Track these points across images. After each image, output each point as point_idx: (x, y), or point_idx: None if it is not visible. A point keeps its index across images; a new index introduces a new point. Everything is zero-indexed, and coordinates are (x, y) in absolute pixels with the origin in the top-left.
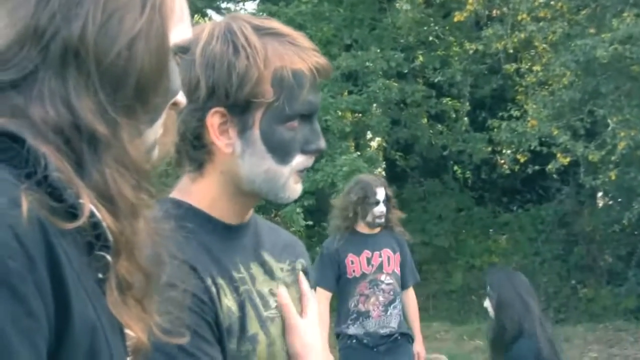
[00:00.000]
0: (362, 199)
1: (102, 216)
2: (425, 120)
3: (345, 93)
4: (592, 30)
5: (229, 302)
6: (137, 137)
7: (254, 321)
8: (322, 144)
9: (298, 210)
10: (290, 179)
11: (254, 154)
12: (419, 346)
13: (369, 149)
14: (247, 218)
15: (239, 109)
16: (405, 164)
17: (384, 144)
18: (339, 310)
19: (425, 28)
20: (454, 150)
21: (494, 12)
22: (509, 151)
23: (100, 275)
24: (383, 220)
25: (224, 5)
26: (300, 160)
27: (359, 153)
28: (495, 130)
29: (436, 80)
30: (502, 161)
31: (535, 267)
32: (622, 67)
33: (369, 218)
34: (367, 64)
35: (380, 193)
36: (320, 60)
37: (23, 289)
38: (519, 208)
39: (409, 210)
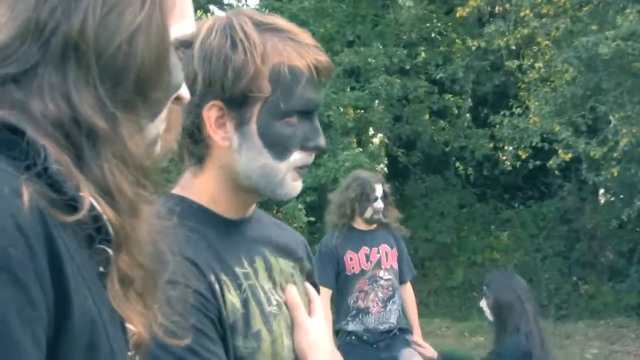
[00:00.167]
0: (361, 196)
1: (103, 209)
2: (427, 117)
3: (348, 89)
4: (594, 27)
5: (232, 298)
6: (138, 133)
7: (257, 318)
8: (321, 141)
9: (300, 206)
10: (287, 176)
11: (250, 149)
12: (417, 339)
13: (371, 145)
14: (250, 213)
15: (236, 102)
16: (408, 160)
17: (386, 140)
18: (338, 307)
19: (427, 24)
20: (455, 146)
21: (497, 8)
22: (510, 147)
23: (101, 269)
24: (381, 216)
25: (226, 1)
26: (298, 157)
27: (360, 149)
28: (497, 126)
29: (438, 77)
30: (504, 157)
31: (536, 264)
32: (624, 63)
33: (367, 214)
34: (370, 60)
35: (379, 190)
36: (320, 57)
37: (24, 277)
38: (521, 204)
39: (411, 207)
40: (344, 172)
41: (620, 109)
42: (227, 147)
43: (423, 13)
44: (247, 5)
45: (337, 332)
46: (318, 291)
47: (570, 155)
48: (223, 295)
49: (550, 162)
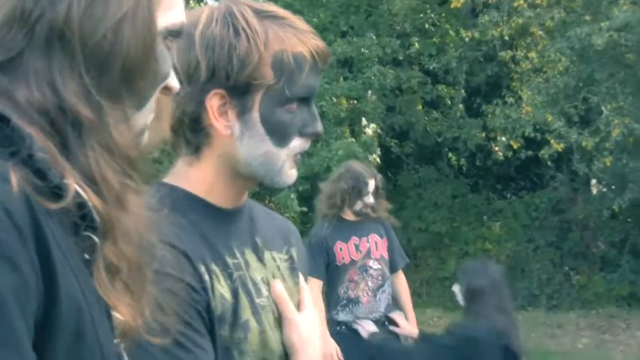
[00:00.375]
0: (352, 189)
1: (88, 197)
2: (420, 107)
3: (341, 79)
4: (588, 18)
5: (222, 289)
6: (124, 122)
7: (246, 308)
8: (319, 127)
9: (292, 196)
10: (286, 163)
11: (252, 137)
12: (412, 326)
13: (364, 135)
14: (242, 202)
15: (239, 91)
16: (401, 150)
17: (379, 131)
18: (328, 297)
19: (421, 15)
20: (448, 136)
21: None
22: (503, 138)
23: (87, 256)
24: (369, 210)
25: None
26: (297, 144)
27: (353, 140)
28: (490, 116)
29: (431, 68)
30: (497, 148)
31: (528, 254)
32: (617, 54)
33: (356, 207)
34: (363, 50)
35: (371, 185)
36: (319, 43)
37: (19, 261)
38: (513, 195)
39: (404, 197)
40: (337, 162)
41: (612, 99)
42: (229, 136)
43: (416, 4)
44: None
45: (327, 322)
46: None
47: (562, 146)
48: (212, 285)
49: (542, 152)
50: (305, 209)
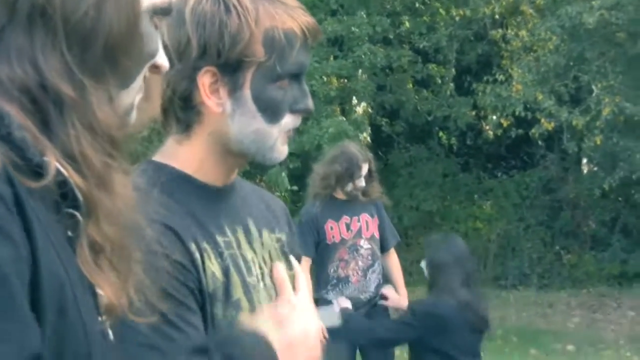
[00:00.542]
0: (345, 171)
1: (70, 175)
2: (410, 86)
3: (331, 58)
4: None
5: (213, 267)
6: (108, 101)
7: (238, 287)
8: (310, 103)
9: (283, 174)
10: (278, 140)
11: (244, 114)
12: (403, 301)
13: (354, 113)
14: (232, 180)
15: (230, 68)
16: (391, 129)
17: (370, 110)
18: (317, 276)
19: None
20: (439, 115)
21: None
22: (494, 117)
23: (69, 233)
24: (359, 194)
25: None
26: (288, 120)
27: (344, 118)
28: (480, 94)
29: (422, 46)
30: (487, 127)
31: (519, 233)
32: (607, 33)
33: (347, 189)
34: (353, 29)
35: (364, 169)
36: (309, 19)
37: (10, 230)
38: (504, 174)
39: (396, 176)
40: (327, 140)
41: (603, 78)
42: (220, 113)
43: None
44: None
45: (316, 301)
46: (299, 261)
47: (552, 125)
48: (203, 263)
49: (533, 131)
50: (295, 187)
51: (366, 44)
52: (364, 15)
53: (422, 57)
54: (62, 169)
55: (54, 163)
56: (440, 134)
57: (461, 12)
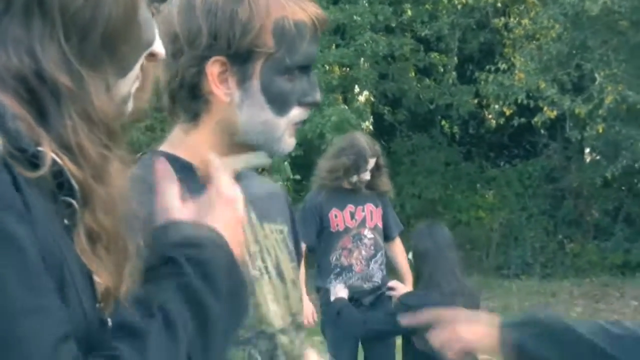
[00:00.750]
0: (353, 164)
1: (65, 164)
2: (413, 75)
3: (333, 46)
4: None
5: None
6: (106, 90)
7: None
8: (318, 96)
9: (285, 162)
10: (286, 132)
11: (252, 105)
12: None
13: (357, 102)
14: (236, 172)
15: (240, 58)
16: (393, 118)
17: (372, 98)
18: (320, 264)
19: None
20: (441, 104)
21: None
22: (496, 106)
23: (66, 222)
24: (362, 186)
25: None
26: (296, 113)
27: (346, 107)
28: (482, 83)
29: (424, 34)
30: (490, 115)
31: (522, 222)
32: (610, 21)
33: (353, 180)
34: (355, 17)
35: (371, 163)
36: (319, 11)
37: (20, 209)
38: (507, 163)
39: (398, 163)
40: (330, 128)
41: (605, 66)
42: (228, 103)
43: None
44: None
45: (318, 290)
46: (300, 250)
47: (555, 113)
48: None
49: (536, 119)
50: (298, 176)
51: (368, 33)
52: (366, 4)
53: (424, 45)
54: (57, 159)
55: (50, 154)
56: (443, 122)
57: (463, 0)
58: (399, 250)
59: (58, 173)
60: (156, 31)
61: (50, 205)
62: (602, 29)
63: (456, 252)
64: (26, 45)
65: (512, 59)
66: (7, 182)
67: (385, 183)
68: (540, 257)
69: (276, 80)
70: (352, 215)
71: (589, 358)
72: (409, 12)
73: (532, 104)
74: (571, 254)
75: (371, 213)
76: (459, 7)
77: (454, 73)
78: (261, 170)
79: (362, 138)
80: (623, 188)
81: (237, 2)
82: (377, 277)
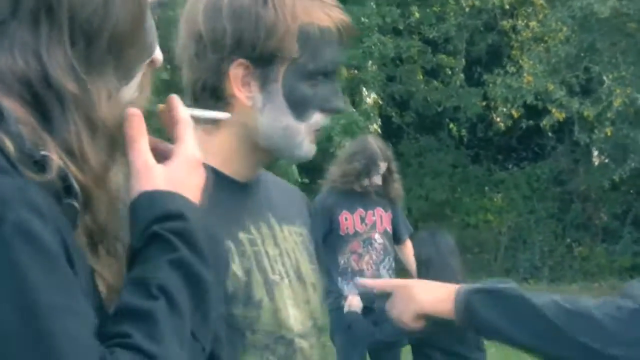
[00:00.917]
0: (364, 168)
1: (70, 169)
2: (420, 77)
3: None
4: None
5: (234, 266)
6: (111, 96)
7: (260, 286)
8: (340, 103)
9: (293, 166)
10: (306, 138)
11: (274, 109)
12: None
13: (364, 104)
14: (257, 175)
15: (263, 62)
16: (401, 120)
17: (380, 101)
18: (328, 266)
19: None
20: (448, 106)
21: None
22: (504, 109)
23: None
24: (371, 191)
25: None
26: (318, 118)
27: (354, 109)
28: (491, 85)
29: (431, 36)
30: (498, 118)
31: (530, 226)
32: (618, 23)
33: (364, 183)
34: (363, 19)
35: (382, 167)
36: (345, 18)
37: (43, 210)
38: (515, 166)
39: (406, 165)
40: (338, 131)
41: (614, 69)
42: (250, 107)
43: None
44: None
45: (329, 293)
46: (320, 253)
47: (563, 115)
48: None
49: (544, 121)
50: (306, 180)
51: (376, 35)
52: (374, 6)
53: (431, 47)
54: (62, 164)
55: (56, 158)
56: (451, 125)
57: (470, 2)
58: (409, 253)
59: (64, 177)
60: (156, 37)
61: (57, 206)
62: (610, 31)
63: (459, 260)
64: (33, 50)
65: (520, 61)
66: (24, 185)
67: (396, 190)
68: (549, 260)
69: (299, 85)
70: (362, 219)
71: (536, 327)
72: (417, 14)
73: (540, 105)
74: (579, 257)
75: (381, 217)
76: (467, 9)
77: (461, 75)
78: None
79: (374, 142)
80: (631, 191)
81: (263, 6)
82: None
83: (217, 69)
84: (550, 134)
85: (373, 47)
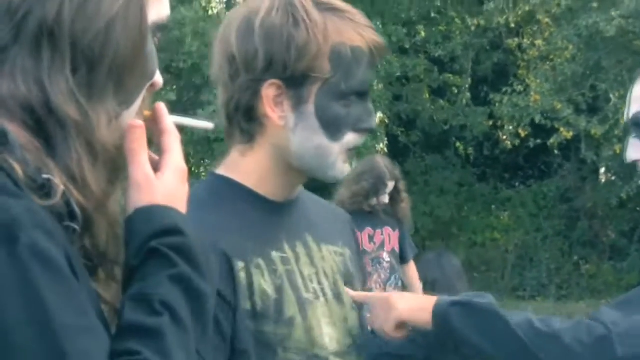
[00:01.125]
0: (372, 187)
1: (73, 195)
2: (427, 96)
3: None
4: (595, 4)
5: (265, 284)
6: (111, 121)
7: (292, 304)
8: (373, 123)
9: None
10: (339, 158)
11: (306, 129)
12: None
13: None
14: (295, 195)
15: (295, 82)
16: (408, 139)
17: (386, 120)
18: None
19: (426, 2)
20: (455, 125)
21: None
22: (510, 127)
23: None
24: (380, 210)
25: None
26: (350, 139)
27: None
28: (497, 105)
29: (437, 55)
30: (504, 137)
31: (537, 244)
32: (624, 41)
33: (372, 203)
34: None
35: (390, 186)
36: (377, 38)
37: (56, 234)
38: (521, 184)
39: (411, 183)
40: None
41: (620, 87)
42: (282, 127)
43: None
44: None
45: None
46: (365, 274)
47: (571, 134)
48: (252, 281)
49: (552, 140)
50: None
51: None
52: (380, 25)
53: (438, 66)
54: (65, 189)
55: (61, 186)
56: (458, 144)
57: (476, 22)
58: (414, 272)
59: (67, 201)
60: (157, 61)
61: (60, 226)
62: (616, 49)
63: (465, 282)
64: (34, 76)
65: (526, 80)
66: (34, 207)
67: (404, 210)
68: (556, 278)
69: (331, 105)
70: (371, 239)
71: (507, 344)
72: (423, 33)
73: (548, 124)
74: (587, 275)
75: (389, 236)
76: (472, 27)
77: (468, 94)
78: None
79: (382, 161)
80: (638, 208)
81: (295, 26)
82: None
83: (250, 89)
84: (557, 152)
85: (379, 66)
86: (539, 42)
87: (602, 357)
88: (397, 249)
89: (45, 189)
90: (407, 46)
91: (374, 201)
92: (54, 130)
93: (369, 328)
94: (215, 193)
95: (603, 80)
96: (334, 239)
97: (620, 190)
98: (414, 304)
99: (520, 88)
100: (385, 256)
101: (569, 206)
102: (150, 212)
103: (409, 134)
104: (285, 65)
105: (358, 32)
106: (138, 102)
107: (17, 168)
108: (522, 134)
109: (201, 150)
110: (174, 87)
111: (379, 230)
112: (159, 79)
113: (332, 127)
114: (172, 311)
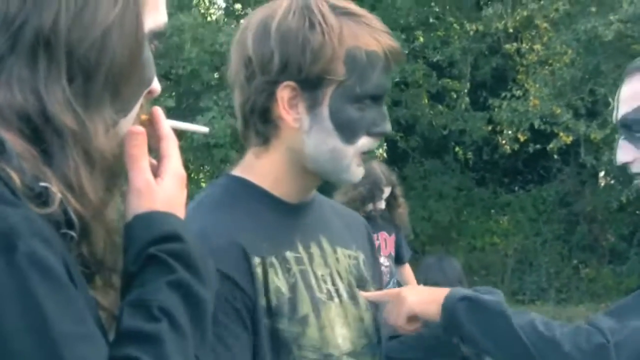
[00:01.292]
0: (368, 193)
1: (70, 203)
2: (425, 101)
3: None
4: (593, 9)
5: (279, 282)
6: (109, 130)
7: (306, 303)
8: (388, 127)
9: None
10: (353, 161)
11: (320, 131)
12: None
13: None
14: (310, 197)
15: (310, 84)
16: (406, 144)
17: None
18: None
19: (425, 8)
20: (454, 129)
21: None
22: (509, 132)
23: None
24: (377, 215)
25: None
26: (364, 142)
27: None
28: (496, 110)
29: (436, 60)
30: (504, 141)
31: (536, 248)
32: (622, 46)
33: (368, 209)
34: None
35: (386, 192)
36: (393, 43)
37: (52, 239)
38: (520, 189)
39: (410, 188)
40: None
41: None
42: (297, 129)
43: None
44: None
45: None
46: (380, 273)
47: (571, 138)
48: (267, 278)
49: (551, 145)
50: None
51: None
52: None
53: (436, 71)
54: (63, 198)
55: (58, 194)
56: (457, 148)
57: (474, 27)
58: (409, 274)
59: (64, 210)
60: (154, 69)
61: (58, 237)
62: (615, 53)
63: (466, 285)
64: (31, 85)
65: (525, 84)
66: (31, 215)
67: (401, 215)
68: (556, 282)
69: (346, 108)
70: None
71: (509, 345)
72: (421, 39)
73: (548, 129)
74: (586, 279)
75: (385, 241)
76: (471, 33)
77: (466, 99)
78: None
79: (378, 167)
80: (638, 212)
81: (311, 30)
82: None
83: (266, 91)
84: (556, 156)
85: None
86: (537, 46)
87: None
88: (393, 253)
89: (42, 197)
90: (406, 51)
91: (370, 207)
92: (51, 139)
93: (385, 326)
94: (231, 194)
95: (602, 85)
96: (348, 242)
97: (620, 194)
98: (425, 297)
99: (519, 93)
100: (383, 260)
101: (569, 210)
102: (149, 218)
103: (408, 139)
104: (300, 68)
105: (374, 37)
106: (135, 109)
107: (14, 176)
108: (521, 138)
109: (201, 157)
110: (173, 93)
111: (375, 235)
112: (156, 86)
113: (347, 130)
114: (171, 317)
